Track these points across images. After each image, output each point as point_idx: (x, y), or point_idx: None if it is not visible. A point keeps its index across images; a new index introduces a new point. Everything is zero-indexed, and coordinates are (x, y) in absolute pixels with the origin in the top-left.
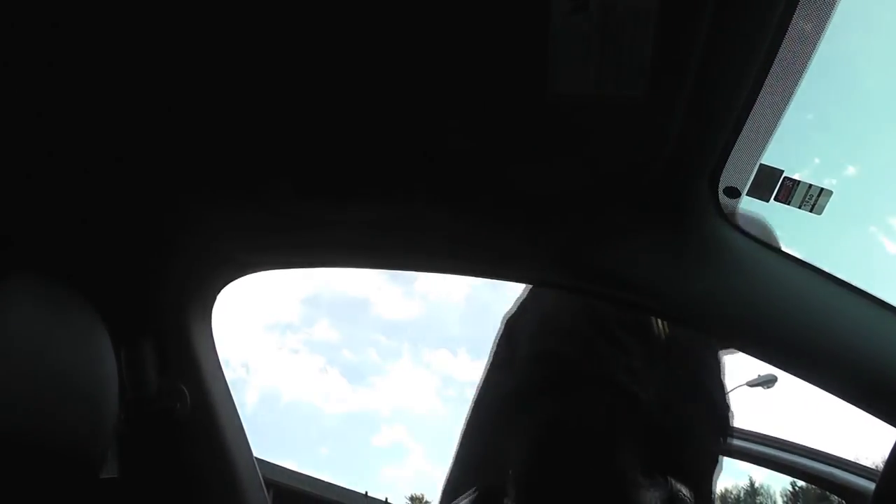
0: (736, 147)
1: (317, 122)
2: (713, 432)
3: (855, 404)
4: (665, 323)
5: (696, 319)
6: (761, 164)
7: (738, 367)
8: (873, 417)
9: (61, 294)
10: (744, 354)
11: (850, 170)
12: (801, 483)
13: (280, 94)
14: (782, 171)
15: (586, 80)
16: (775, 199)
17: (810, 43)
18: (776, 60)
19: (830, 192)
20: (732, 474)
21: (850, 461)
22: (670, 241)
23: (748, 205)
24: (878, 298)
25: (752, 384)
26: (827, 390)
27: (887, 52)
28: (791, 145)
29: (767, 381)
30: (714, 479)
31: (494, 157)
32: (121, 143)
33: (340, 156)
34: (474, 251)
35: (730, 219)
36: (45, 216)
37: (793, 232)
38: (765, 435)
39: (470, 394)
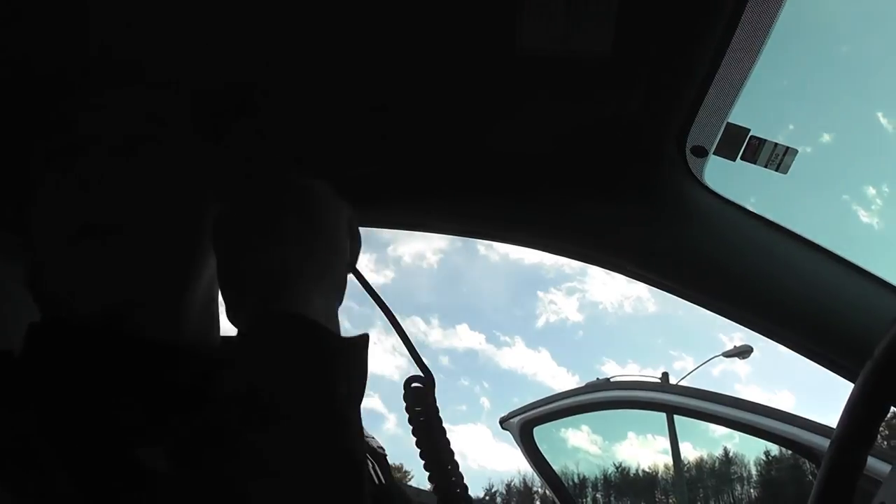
0: (703, 106)
1: (287, 81)
2: None
3: (814, 360)
4: None
5: (663, 276)
6: (728, 123)
7: (712, 338)
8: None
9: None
10: (710, 312)
11: (825, 137)
12: (774, 452)
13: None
14: (749, 130)
15: (553, 36)
16: (742, 159)
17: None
18: (743, 17)
19: (796, 151)
20: (707, 444)
21: (823, 425)
22: (638, 199)
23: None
24: (842, 258)
25: (727, 354)
26: (789, 346)
27: (863, 17)
28: (765, 111)
29: (743, 352)
30: None
31: (463, 114)
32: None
33: (312, 116)
34: (445, 211)
35: (697, 177)
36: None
37: (764, 200)
38: (738, 399)
39: (444, 362)
